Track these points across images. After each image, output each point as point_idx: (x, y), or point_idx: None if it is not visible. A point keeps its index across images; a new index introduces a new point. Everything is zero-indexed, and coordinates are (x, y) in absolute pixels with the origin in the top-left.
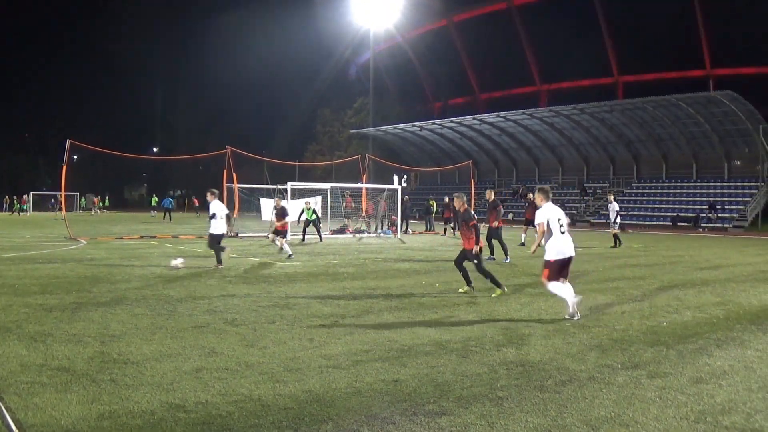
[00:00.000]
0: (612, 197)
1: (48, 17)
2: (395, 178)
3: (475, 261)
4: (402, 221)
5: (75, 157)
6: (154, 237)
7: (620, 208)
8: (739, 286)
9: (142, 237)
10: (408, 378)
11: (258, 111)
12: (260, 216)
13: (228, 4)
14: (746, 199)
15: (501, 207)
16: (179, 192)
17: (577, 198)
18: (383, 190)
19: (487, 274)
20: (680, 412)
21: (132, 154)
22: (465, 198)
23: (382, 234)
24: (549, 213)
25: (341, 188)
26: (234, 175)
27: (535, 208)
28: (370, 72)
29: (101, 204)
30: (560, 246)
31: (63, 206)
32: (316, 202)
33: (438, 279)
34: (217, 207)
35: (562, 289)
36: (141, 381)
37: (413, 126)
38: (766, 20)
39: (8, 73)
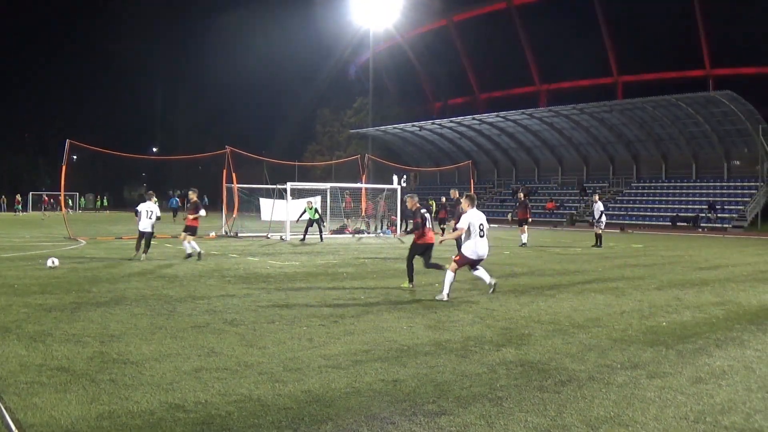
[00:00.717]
0: (597, 197)
1: (48, 17)
2: (395, 178)
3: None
4: (401, 221)
5: (75, 157)
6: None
7: (606, 208)
8: (739, 286)
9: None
10: (407, 378)
11: (258, 111)
12: (259, 216)
13: (228, 4)
14: (746, 199)
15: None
16: (179, 192)
17: (577, 198)
18: (383, 190)
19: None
20: (680, 412)
21: (132, 154)
22: (417, 198)
23: (381, 234)
24: (472, 218)
25: (341, 188)
26: (234, 175)
27: (526, 207)
28: (369, 72)
29: (51, 204)
30: (476, 248)
31: (63, 206)
32: (316, 202)
33: (437, 279)
34: (144, 206)
35: (451, 280)
36: (140, 381)
37: (413, 126)
38: (766, 20)
39: (8, 73)
